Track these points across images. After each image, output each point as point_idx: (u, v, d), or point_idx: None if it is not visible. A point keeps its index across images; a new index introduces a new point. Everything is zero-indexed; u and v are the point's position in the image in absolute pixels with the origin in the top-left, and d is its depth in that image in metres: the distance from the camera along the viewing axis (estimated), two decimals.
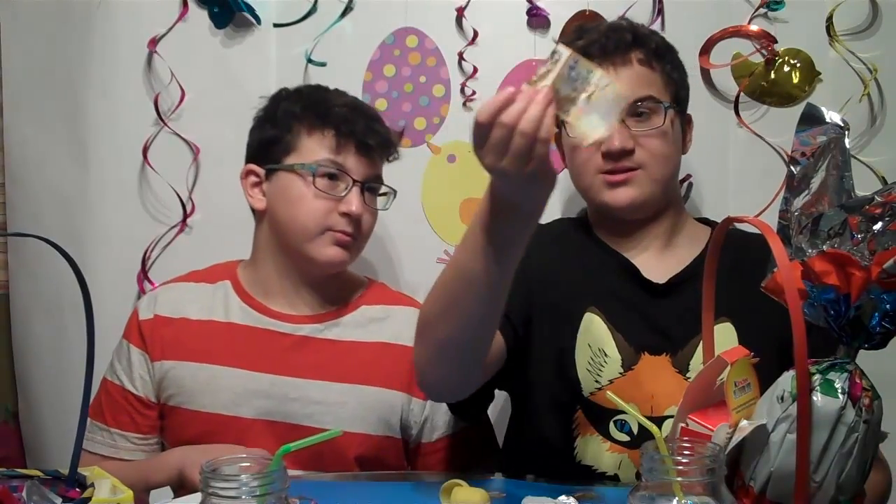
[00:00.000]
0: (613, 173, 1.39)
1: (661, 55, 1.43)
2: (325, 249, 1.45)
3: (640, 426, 1.33)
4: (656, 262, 1.43)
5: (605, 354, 1.37)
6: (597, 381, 1.36)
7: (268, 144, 1.49)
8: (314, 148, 1.45)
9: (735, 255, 1.25)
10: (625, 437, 1.35)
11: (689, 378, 1.34)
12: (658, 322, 1.38)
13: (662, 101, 1.40)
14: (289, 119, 1.48)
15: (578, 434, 1.38)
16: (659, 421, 1.30)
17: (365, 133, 1.46)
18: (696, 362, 1.34)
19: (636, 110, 1.39)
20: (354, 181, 1.45)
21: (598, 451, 1.36)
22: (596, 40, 1.40)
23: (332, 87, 1.55)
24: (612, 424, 1.36)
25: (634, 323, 1.39)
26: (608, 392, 1.04)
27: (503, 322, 1.21)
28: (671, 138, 1.42)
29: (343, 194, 1.44)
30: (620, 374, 1.36)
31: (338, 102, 1.49)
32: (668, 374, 1.36)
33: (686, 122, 1.49)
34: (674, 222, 1.46)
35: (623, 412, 1.34)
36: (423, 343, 1.20)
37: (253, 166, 1.50)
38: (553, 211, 1.67)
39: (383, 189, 1.52)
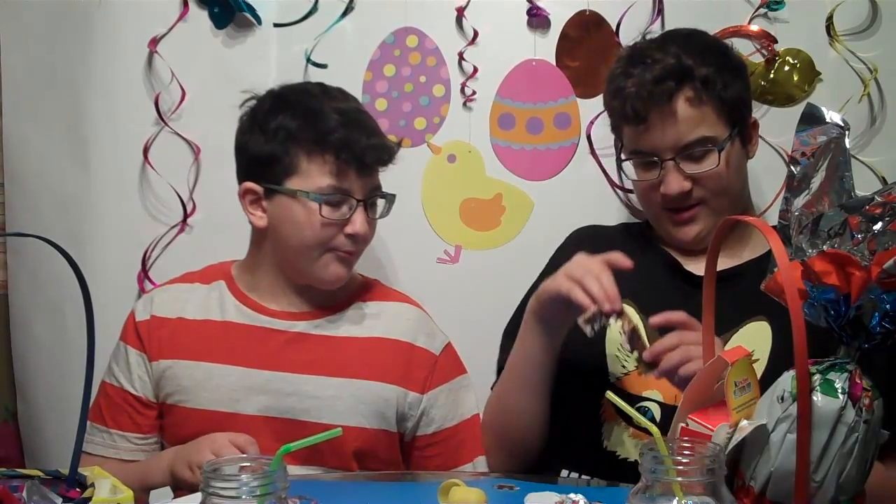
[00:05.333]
0: (677, 211, 1.42)
1: (710, 84, 1.38)
2: (328, 268, 1.46)
3: (663, 412, 1.36)
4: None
5: None
6: (623, 367, 1.37)
7: (266, 162, 1.44)
8: (316, 174, 1.42)
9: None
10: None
11: None
12: (692, 315, 1.38)
13: (716, 142, 1.38)
14: (284, 137, 1.42)
15: (605, 420, 1.40)
16: None
17: (364, 153, 1.43)
18: None
19: (690, 154, 1.38)
20: (358, 201, 1.44)
21: (621, 438, 1.38)
22: (638, 94, 1.37)
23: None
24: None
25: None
26: (608, 392, 1.05)
27: None
28: (732, 167, 1.40)
29: (347, 216, 1.44)
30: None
31: (332, 121, 1.42)
32: None
33: (752, 128, 1.47)
34: (741, 231, 1.46)
35: (645, 398, 1.38)
36: (486, 435, 1.49)
37: (252, 185, 1.46)
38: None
39: (382, 195, 1.51)
